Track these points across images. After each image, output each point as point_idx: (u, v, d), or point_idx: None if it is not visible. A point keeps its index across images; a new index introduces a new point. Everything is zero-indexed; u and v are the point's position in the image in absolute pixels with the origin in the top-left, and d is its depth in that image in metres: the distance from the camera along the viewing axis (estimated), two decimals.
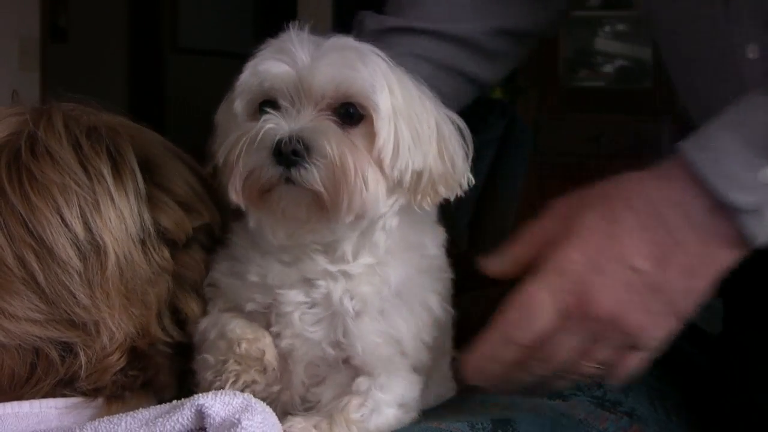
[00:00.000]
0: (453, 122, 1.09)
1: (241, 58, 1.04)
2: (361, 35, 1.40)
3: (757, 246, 1.05)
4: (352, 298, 1.05)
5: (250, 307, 1.07)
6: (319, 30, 1.05)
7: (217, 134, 1.08)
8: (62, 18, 5.75)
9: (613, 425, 1.27)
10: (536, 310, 1.03)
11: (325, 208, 1.00)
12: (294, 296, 1.05)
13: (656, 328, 1.07)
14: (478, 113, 2.79)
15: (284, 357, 1.06)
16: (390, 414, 1.07)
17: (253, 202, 1.02)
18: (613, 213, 1.06)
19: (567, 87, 4.17)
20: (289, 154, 0.98)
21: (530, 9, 1.47)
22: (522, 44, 1.48)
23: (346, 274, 1.05)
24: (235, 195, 1.02)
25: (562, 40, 4.11)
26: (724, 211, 1.04)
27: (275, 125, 0.99)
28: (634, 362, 1.08)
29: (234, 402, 0.93)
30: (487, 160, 2.93)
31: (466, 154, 1.09)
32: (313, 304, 1.05)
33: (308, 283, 1.05)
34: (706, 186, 1.04)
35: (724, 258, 1.06)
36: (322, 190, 0.98)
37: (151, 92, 6.45)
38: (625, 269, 1.05)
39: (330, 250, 1.05)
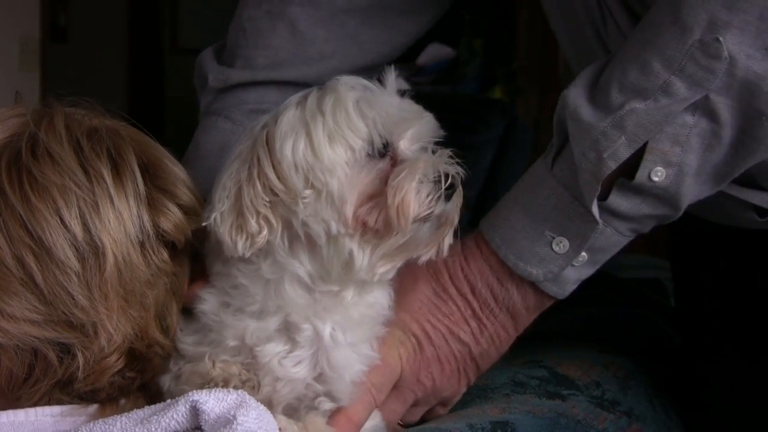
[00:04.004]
0: None
1: None
2: (206, 94, 1.41)
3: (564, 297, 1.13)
4: (344, 332, 1.05)
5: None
6: None
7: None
8: (62, 18, 5.76)
9: (612, 425, 1.27)
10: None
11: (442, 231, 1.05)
12: (272, 348, 1.04)
13: (463, 389, 1.18)
14: (478, 113, 2.78)
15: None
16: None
17: (369, 231, 1.01)
18: (443, 287, 1.14)
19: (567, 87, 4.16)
20: (448, 189, 1.02)
21: (380, 40, 1.43)
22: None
23: (343, 306, 1.05)
24: (342, 223, 1.00)
25: None
26: (525, 281, 1.12)
27: (446, 162, 1.03)
28: (441, 412, 1.19)
29: (228, 398, 0.93)
30: (487, 160, 2.92)
31: None
32: (292, 349, 1.05)
33: (289, 328, 1.04)
34: (506, 262, 1.11)
35: (531, 317, 1.15)
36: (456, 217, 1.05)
37: (151, 92, 6.45)
38: (455, 342, 1.13)
39: (362, 283, 1.05)
